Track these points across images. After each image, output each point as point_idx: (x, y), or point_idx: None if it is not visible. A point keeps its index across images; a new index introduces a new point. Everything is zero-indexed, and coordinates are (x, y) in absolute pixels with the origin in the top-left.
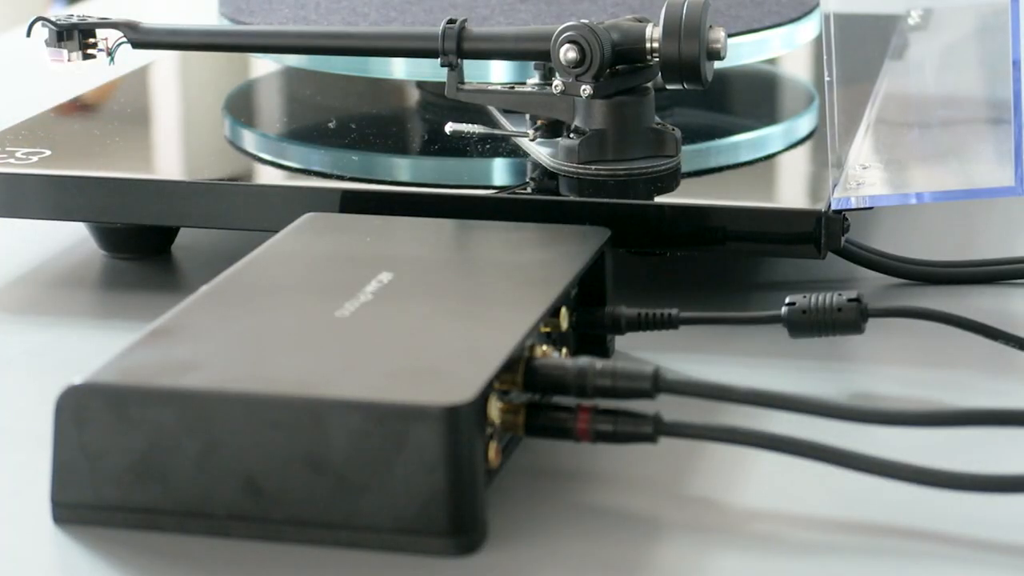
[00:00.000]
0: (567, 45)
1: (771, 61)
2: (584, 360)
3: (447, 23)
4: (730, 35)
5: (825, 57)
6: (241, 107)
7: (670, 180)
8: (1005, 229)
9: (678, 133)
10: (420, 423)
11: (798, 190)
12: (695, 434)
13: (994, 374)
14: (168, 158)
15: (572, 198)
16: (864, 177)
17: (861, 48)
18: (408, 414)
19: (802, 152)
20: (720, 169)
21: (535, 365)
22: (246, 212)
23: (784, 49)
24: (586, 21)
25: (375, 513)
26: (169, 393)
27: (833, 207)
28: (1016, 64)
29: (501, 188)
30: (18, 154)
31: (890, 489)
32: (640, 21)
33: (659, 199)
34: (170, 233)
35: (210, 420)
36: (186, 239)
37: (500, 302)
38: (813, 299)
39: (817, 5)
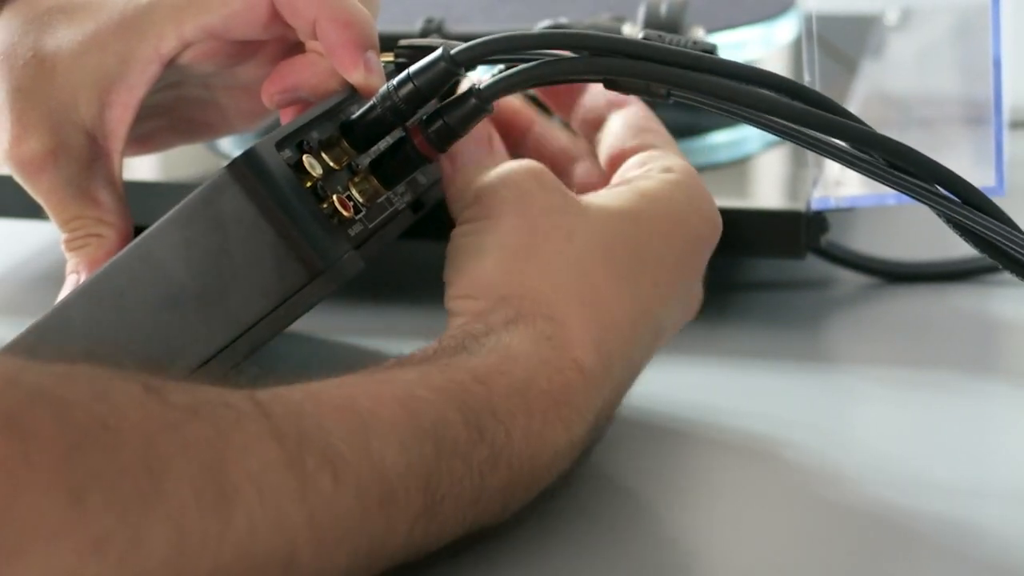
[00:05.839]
0: None
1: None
2: (382, 88)
3: (425, 22)
4: (709, 32)
5: (806, 57)
6: None
7: None
8: None
9: None
10: (221, 195)
11: (778, 190)
12: (508, 86)
13: (977, 374)
14: (144, 158)
15: None
16: (843, 177)
17: (840, 48)
18: (209, 196)
19: (781, 152)
20: (699, 169)
21: (347, 124)
22: None
23: (763, 48)
24: (564, 20)
25: (251, 302)
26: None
27: (813, 207)
28: (997, 64)
29: None
30: None
31: None
32: (618, 20)
33: None
34: None
35: (71, 327)
36: None
37: None
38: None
39: (794, 2)
